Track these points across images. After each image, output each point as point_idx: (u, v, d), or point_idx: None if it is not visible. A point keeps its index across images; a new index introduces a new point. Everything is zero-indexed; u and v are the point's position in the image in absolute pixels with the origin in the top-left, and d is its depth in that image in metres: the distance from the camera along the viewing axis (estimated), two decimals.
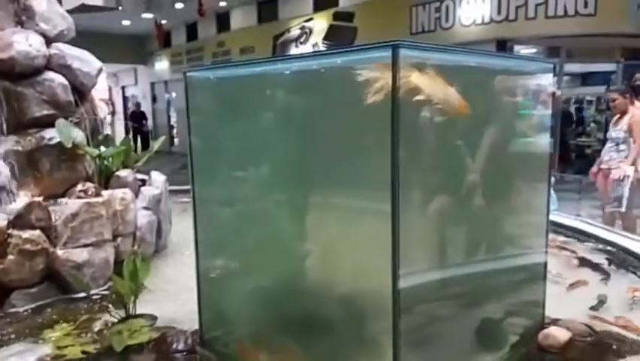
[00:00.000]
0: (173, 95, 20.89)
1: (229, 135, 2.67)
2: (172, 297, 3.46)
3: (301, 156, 2.37)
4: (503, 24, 10.74)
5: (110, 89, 22.53)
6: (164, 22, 19.03)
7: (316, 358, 2.39)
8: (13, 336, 2.97)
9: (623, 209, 5.43)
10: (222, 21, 18.24)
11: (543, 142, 2.86)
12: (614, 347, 2.63)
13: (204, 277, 2.87)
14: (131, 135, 16.14)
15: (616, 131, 5.59)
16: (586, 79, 14.67)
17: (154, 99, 22.32)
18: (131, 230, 3.89)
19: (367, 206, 2.14)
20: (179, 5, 16.54)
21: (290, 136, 2.41)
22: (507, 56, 5.88)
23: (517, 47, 11.03)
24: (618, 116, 5.67)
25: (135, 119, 19.60)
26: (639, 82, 6.42)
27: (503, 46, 10.74)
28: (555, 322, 2.78)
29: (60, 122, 3.95)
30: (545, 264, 2.89)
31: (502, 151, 2.60)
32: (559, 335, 2.63)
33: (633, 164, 5.40)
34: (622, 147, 5.52)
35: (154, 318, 3.10)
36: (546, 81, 2.84)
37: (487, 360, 2.54)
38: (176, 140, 20.89)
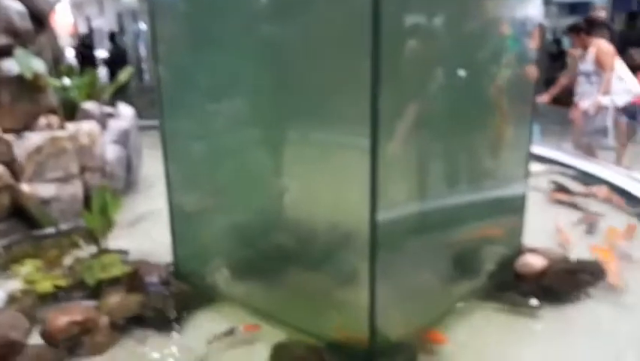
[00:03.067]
0: (143, 26, 20.02)
1: (199, 64, 2.51)
2: (145, 232, 3.39)
3: (277, 84, 2.25)
4: None
5: (74, 23, 21.41)
6: None
7: (293, 291, 2.37)
8: None
9: (609, 140, 5.46)
10: None
11: (527, 74, 2.78)
12: (588, 272, 2.66)
13: (178, 211, 2.79)
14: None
15: (584, 65, 5.52)
16: (575, 9, 14.13)
17: (121, 30, 21.36)
18: (99, 164, 3.75)
19: (346, 137, 2.05)
20: None
21: (264, 63, 2.27)
22: None
23: None
24: (581, 51, 5.58)
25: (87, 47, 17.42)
26: (595, 16, 6.36)
27: None
28: (532, 250, 2.79)
29: (19, 52, 3.69)
30: (525, 195, 2.88)
31: (484, 81, 2.52)
32: (535, 262, 2.65)
33: (606, 93, 5.38)
34: (593, 78, 5.47)
35: (127, 253, 3.03)
36: (534, 11, 2.72)
37: (465, 288, 2.55)
38: (146, 74, 20.23)
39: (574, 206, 3.74)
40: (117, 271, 2.69)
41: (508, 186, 2.78)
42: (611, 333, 2.33)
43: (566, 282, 2.59)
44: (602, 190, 3.91)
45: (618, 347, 2.22)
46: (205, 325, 2.46)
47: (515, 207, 2.85)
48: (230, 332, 2.30)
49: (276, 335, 2.27)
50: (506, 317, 2.45)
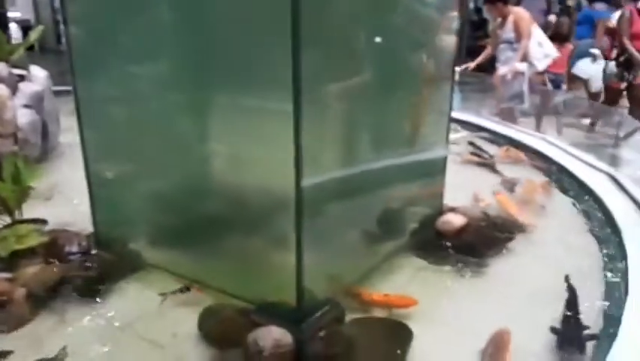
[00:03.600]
0: None
1: (115, 22, 2.37)
2: (64, 201, 3.23)
3: (199, 44, 2.16)
4: None
5: None
6: None
7: (221, 256, 2.35)
8: None
9: (525, 105, 5.71)
10: None
11: (449, 40, 2.84)
12: (506, 228, 2.82)
13: (97, 178, 2.68)
14: None
15: (505, 33, 5.72)
16: None
17: None
18: (10, 130, 3.51)
19: (270, 101, 2.02)
20: None
21: (185, 22, 2.18)
22: None
23: None
24: (500, 19, 5.77)
25: None
26: None
27: None
28: (453, 209, 2.92)
29: None
30: (445, 158, 2.99)
31: (406, 46, 2.55)
32: (455, 220, 2.78)
33: (524, 60, 5.61)
34: (516, 45, 5.69)
35: (44, 222, 2.88)
36: None
37: (388, 247, 2.63)
38: (63, 37, 18.99)
39: (488, 167, 3.96)
40: (33, 241, 2.56)
41: (429, 150, 2.87)
42: (525, 283, 2.48)
43: (484, 238, 2.74)
44: (511, 152, 4.14)
45: (532, 296, 2.38)
46: (130, 293, 2.40)
47: (436, 169, 2.95)
48: (184, 290, 2.30)
49: (204, 300, 2.26)
50: (428, 273, 2.56)
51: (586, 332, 2.07)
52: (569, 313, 2.18)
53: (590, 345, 2.01)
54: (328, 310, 2.16)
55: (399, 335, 2.07)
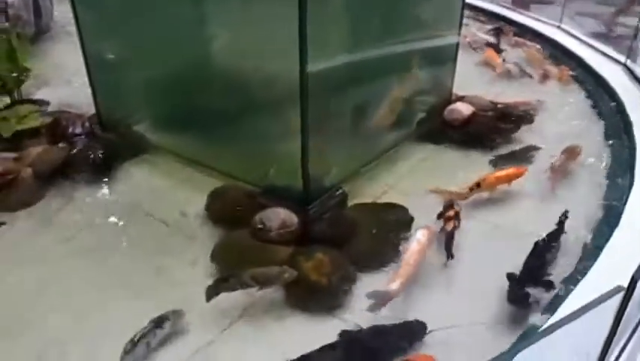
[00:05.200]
0: None
1: None
2: (64, 82, 3.16)
3: None
4: None
5: None
6: None
7: (227, 140, 2.33)
8: None
9: None
10: None
11: None
12: (512, 118, 2.78)
13: (95, 59, 2.58)
14: None
15: None
16: None
17: None
18: (0, 6, 3.34)
19: None
20: None
21: None
22: None
23: None
24: None
25: None
26: None
27: None
28: (461, 98, 2.86)
29: None
30: (457, 45, 2.87)
31: None
32: (462, 109, 2.73)
33: None
34: None
35: (46, 103, 2.84)
36: None
37: (393, 136, 2.61)
38: None
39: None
40: (34, 122, 2.53)
41: (439, 37, 2.74)
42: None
43: (491, 128, 2.71)
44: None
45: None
46: (136, 175, 2.42)
47: (446, 56, 2.84)
48: None
49: (210, 181, 2.28)
50: (431, 163, 2.55)
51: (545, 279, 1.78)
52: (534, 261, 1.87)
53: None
54: (332, 194, 2.19)
55: (399, 218, 2.11)
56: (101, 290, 1.80)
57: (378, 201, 2.26)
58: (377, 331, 1.61)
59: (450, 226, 2.00)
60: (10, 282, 1.85)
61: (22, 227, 2.11)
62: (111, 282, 1.84)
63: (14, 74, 2.73)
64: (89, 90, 2.67)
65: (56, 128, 2.52)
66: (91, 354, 1.57)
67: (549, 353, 0.79)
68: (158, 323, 1.60)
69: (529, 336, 1.48)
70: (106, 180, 2.35)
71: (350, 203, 2.21)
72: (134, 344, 1.53)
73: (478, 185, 2.22)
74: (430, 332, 1.61)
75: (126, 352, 1.52)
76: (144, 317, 1.61)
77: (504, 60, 3.60)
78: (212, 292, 1.69)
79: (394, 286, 1.71)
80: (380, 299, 1.68)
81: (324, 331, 1.62)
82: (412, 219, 2.09)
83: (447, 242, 1.94)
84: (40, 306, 1.74)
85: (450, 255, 1.91)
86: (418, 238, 1.87)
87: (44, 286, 1.82)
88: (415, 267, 1.80)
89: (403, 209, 2.16)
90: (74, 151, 2.40)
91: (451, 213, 2.05)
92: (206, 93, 2.32)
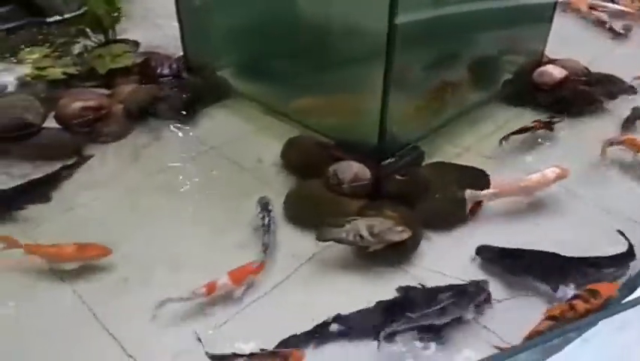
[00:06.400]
0: None
1: None
2: (153, 24, 3.26)
3: None
4: None
5: None
6: None
7: (306, 91, 2.34)
8: None
9: None
10: None
11: None
12: (607, 87, 2.60)
13: (187, 3, 2.63)
14: None
15: None
16: None
17: None
18: None
19: None
20: None
21: None
22: None
23: None
24: None
25: None
26: None
27: None
28: (553, 61, 2.70)
29: None
30: (555, 4, 2.68)
31: None
32: (554, 72, 2.57)
33: None
34: None
35: (136, 44, 2.96)
36: None
37: (477, 96, 2.52)
38: None
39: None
40: (127, 61, 2.65)
41: None
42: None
43: (582, 95, 2.55)
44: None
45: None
46: (219, 118, 2.50)
47: (542, 15, 2.67)
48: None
49: (288, 130, 2.32)
50: (512, 125, 2.41)
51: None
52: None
53: None
54: (408, 151, 2.16)
55: (476, 179, 2.06)
56: (184, 223, 1.92)
57: (456, 161, 2.21)
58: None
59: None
60: (97, 208, 1.99)
61: (111, 160, 2.24)
62: (193, 217, 1.96)
63: (113, 14, 2.83)
64: (177, 33, 2.73)
65: (146, 68, 2.62)
66: (175, 278, 1.68)
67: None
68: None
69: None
70: (190, 121, 2.44)
71: (427, 162, 2.18)
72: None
73: None
74: None
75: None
76: (225, 250, 1.78)
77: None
78: (323, 236, 1.74)
79: (485, 192, 1.90)
80: (470, 200, 1.87)
81: (385, 285, 1.66)
82: (488, 182, 2.04)
83: None
84: (127, 232, 1.87)
85: None
86: (545, 172, 1.95)
87: (130, 215, 1.96)
88: (523, 191, 1.93)
89: (480, 171, 2.11)
90: (162, 92, 2.49)
91: None
92: (291, 42, 2.31)
